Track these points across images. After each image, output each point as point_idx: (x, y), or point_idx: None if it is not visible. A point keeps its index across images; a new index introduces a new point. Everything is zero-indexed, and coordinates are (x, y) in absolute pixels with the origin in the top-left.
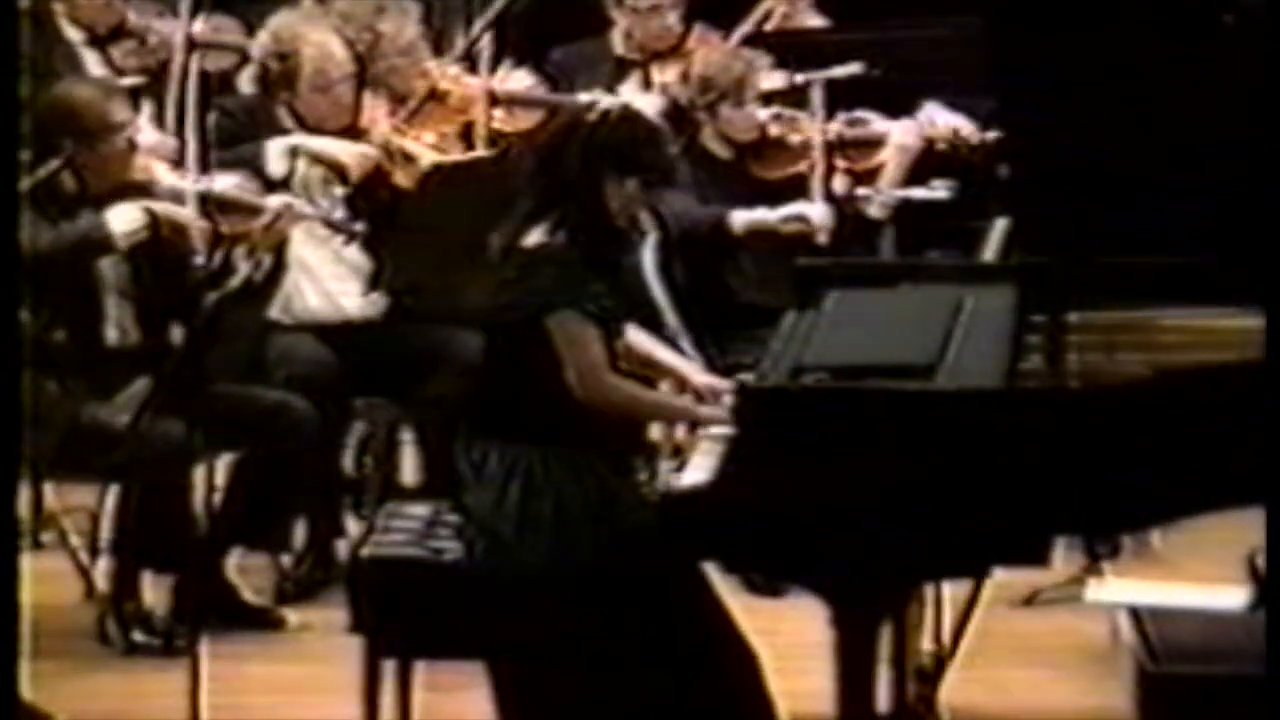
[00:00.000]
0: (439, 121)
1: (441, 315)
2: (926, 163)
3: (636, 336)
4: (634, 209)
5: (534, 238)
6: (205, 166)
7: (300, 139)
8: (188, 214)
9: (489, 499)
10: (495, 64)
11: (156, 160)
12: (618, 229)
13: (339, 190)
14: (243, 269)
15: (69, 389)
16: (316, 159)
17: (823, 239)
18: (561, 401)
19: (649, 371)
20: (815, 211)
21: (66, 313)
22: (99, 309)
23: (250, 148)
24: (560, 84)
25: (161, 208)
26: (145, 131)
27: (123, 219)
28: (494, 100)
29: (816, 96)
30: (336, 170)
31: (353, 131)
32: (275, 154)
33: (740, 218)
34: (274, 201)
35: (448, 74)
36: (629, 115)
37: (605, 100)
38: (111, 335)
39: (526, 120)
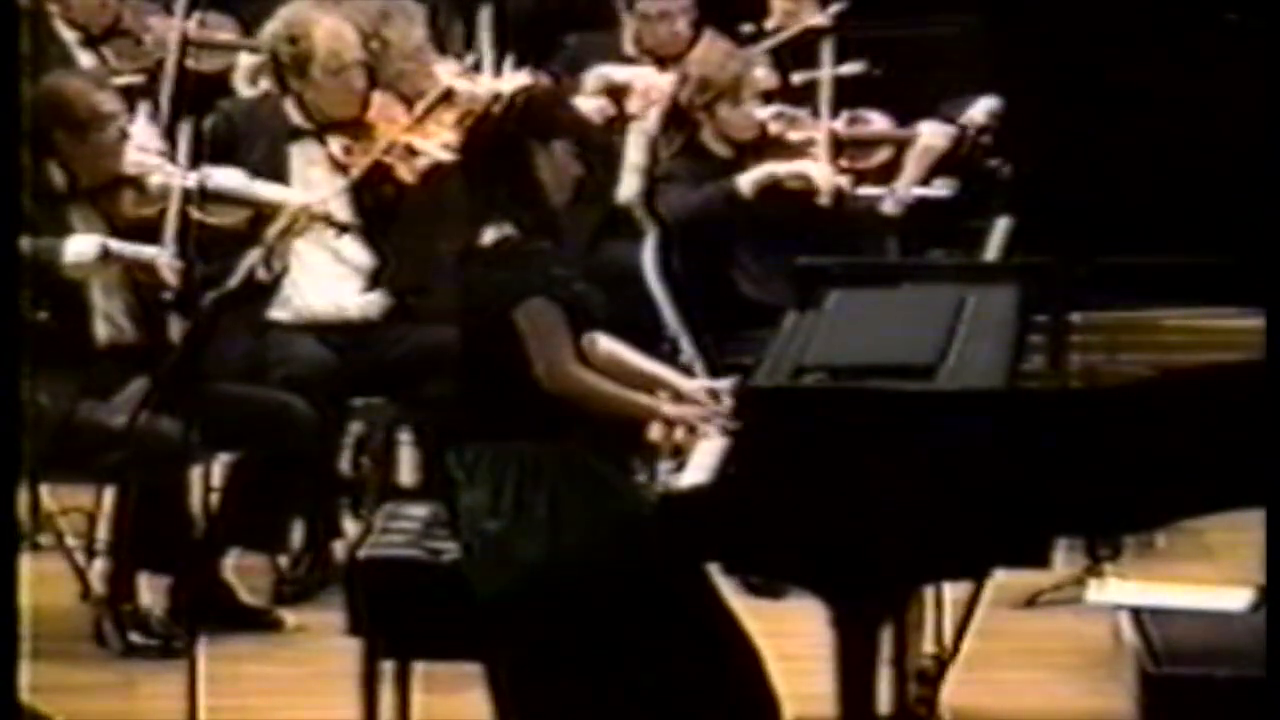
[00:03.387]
0: (446, 121)
1: (441, 315)
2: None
3: (621, 349)
4: (572, 174)
5: (489, 236)
6: (197, 163)
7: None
8: (152, 253)
9: (483, 501)
10: (499, 64)
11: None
12: (557, 203)
13: (340, 182)
14: (244, 268)
15: (62, 386)
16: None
17: (824, 200)
18: (545, 397)
19: (634, 381)
20: (818, 170)
21: (51, 309)
22: (84, 304)
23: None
24: (572, 70)
25: (119, 246)
26: (138, 128)
27: (74, 249)
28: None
29: (825, 94)
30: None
31: (359, 124)
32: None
33: (747, 178)
34: (289, 200)
35: (454, 74)
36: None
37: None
38: (103, 331)
39: None
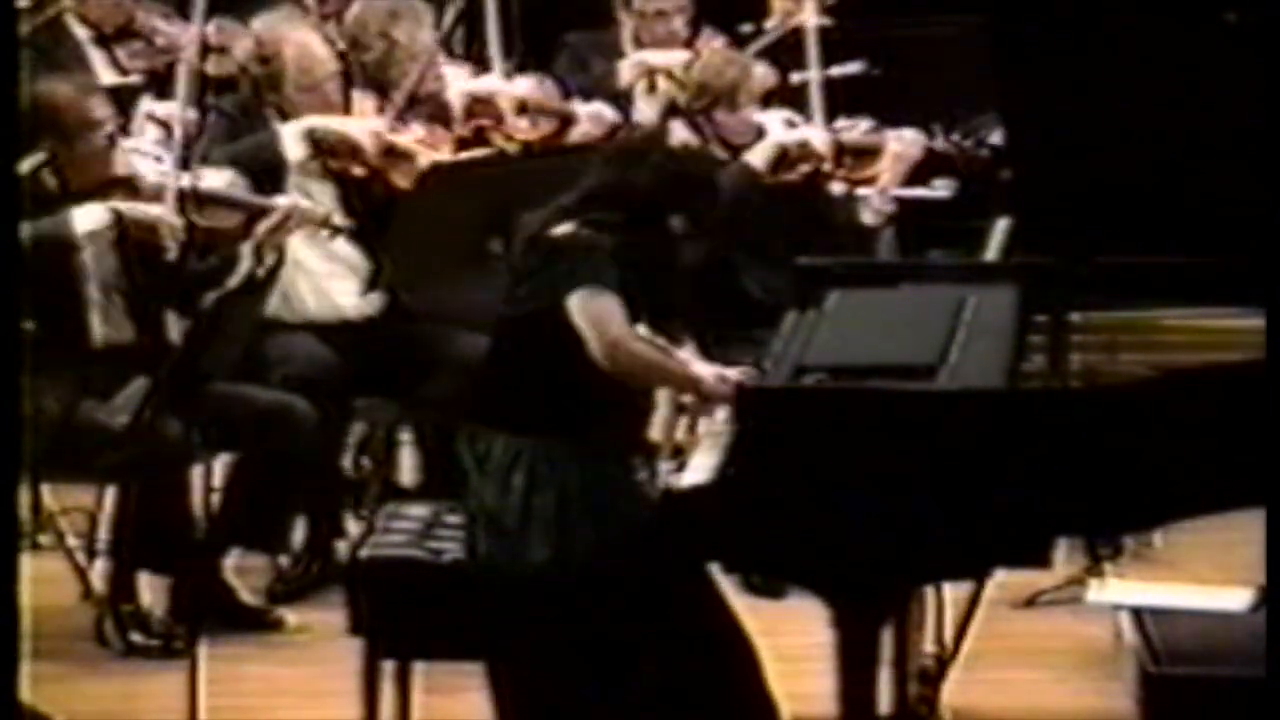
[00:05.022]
0: (442, 123)
1: (443, 314)
2: (927, 163)
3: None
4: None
5: (560, 229)
6: (187, 164)
7: (315, 120)
8: (157, 212)
9: (492, 491)
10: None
11: (142, 154)
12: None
13: (331, 187)
14: (244, 266)
15: (62, 386)
16: (329, 141)
17: (826, 166)
18: (566, 393)
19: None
20: (817, 136)
21: (47, 307)
22: (81, 302)
23: (263, 135)
24: (574, 67)
25: (128, 207)
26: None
27: (86, 218)
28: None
29: (816, 97)
30: (349, 150)
31: None
32: (291, 137)
33: (756, 153)
34: (280, 201)
35: (459, 76)
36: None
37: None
38: (100, 331)
39: (545, 127)
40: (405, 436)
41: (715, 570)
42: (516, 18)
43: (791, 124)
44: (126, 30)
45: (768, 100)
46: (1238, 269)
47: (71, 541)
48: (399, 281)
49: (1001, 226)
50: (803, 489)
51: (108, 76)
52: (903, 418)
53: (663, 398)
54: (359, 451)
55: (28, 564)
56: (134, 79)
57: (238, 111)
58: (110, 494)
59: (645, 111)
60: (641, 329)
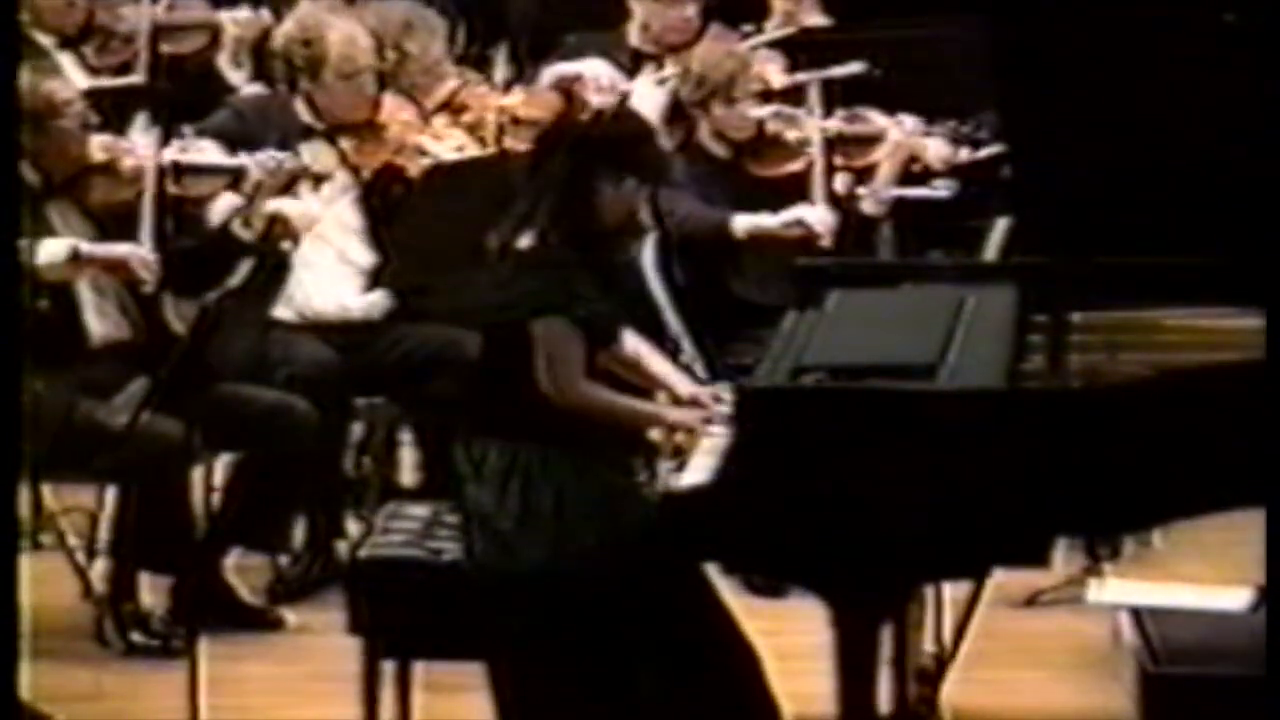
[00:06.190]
0: (459, 124)
1: (442, 315)
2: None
3: (631, 342)
4: (631, 210)
5: (527, 240)
6: (166, 142)
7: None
8: (124, 251)
9: (489, 498)
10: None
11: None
12: (609, 231)
13: (350, 181)
14: (247, 269)
15: (62, 385)
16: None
17: (825, 242)
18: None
19: (637, 378)
20: (815, 215)
21: (50, 305)
22: (77, 302)
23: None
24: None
25: (89, 248)
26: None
27: (46, 251)
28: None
29: (813, 94)
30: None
31: (371, 126)
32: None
33: (742, 222)
34: (254, 158)
35: (466, 83)
36: (620, 114)
37: (597, 101)
38: (100, 329)
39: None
40: (405, 436)
41: (714, 570)
42: (518, 18)
43: (779, 115)
44: (89, 28)
45: (769, 99)
46: (1237, 269)
47: (72, 541)
48: (401, 281)
49: (1001, 226)
50: (802, 489)
51: (80, 79)
52: (902, 417)
53: (662, 398)
54: (359, 451)
55: (28, 563)
56: (136, 79)
57: (253, 112)
58: (111, 494)
59: (645, 98)
60: (629, 337)
